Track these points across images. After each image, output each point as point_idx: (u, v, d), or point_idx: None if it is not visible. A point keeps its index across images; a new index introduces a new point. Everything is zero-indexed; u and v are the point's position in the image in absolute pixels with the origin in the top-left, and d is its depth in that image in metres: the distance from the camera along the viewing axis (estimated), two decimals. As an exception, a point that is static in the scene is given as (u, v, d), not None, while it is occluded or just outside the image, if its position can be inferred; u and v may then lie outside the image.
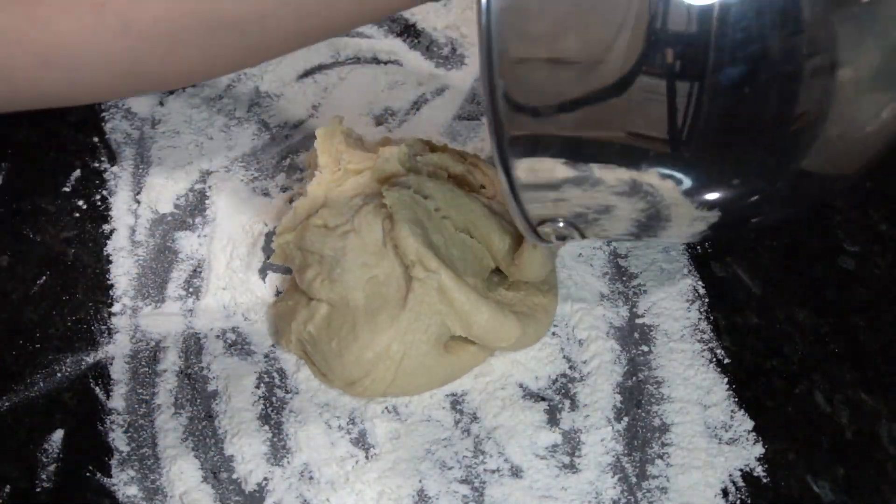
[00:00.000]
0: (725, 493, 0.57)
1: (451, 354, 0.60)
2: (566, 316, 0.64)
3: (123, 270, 0.66)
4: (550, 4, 0.37)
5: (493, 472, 0.57)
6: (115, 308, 0.64)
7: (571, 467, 0.58)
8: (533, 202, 0.45)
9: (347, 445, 0.58)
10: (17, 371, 0.60)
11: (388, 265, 0.58)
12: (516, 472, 0.57)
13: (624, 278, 0.67)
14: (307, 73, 0.79)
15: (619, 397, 0.61)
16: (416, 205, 0.59)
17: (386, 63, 0.81)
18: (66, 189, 0.71)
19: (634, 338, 0.64)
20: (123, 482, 0.56)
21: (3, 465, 0.57)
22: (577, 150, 0.41)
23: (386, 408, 0.60)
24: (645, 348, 0.63)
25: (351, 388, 0.59)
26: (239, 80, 0.78)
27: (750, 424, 0.59)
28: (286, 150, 0.74)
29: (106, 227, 0.68)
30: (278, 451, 0.58)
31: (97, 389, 0.60)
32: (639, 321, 0.64)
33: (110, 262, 0.67)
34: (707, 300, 0.65)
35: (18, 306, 0.64)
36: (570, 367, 0.62)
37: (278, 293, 0.65)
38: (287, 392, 0.61)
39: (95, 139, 0.74)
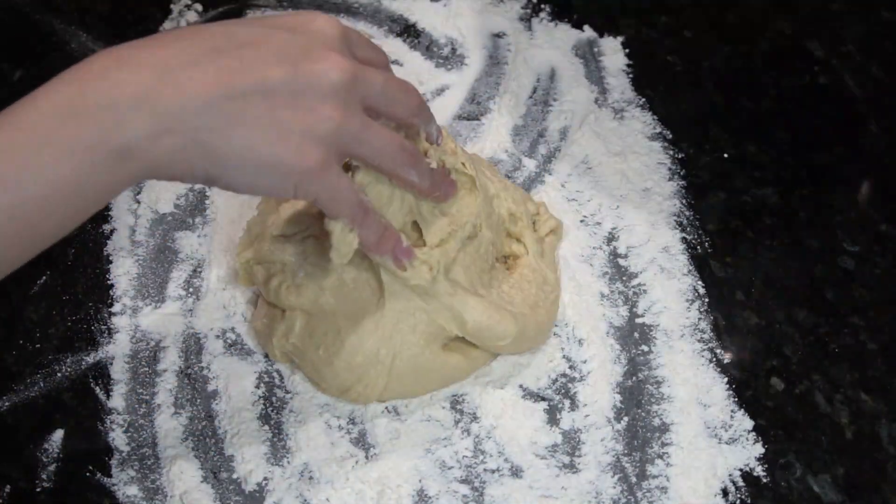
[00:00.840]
0: (725, 492, 0.57)
1: (451, 355, 0.60)
2: (566, 316, 0.64)
3: (123, 270, 0.66)
4: None
5: (493, 472, 0.57)
6: (115, 308, 0.64)
7: (571, 467, 0.58)
8: None
9: (347, 445, 0.58)
10: (17, 371, 0.60)
11: (354, 269, 0.57)
12: (516, 472, 0.57)
13: (624, 278, 0.67)
14: (307, 73, 0.78)
15: (618, 397, 0.61)
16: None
17: (386, 63, 0.81)
18: (66, 189, 0.71)
19: (634, 338, 0.64)
20: (123, 482, 0.56)
21: (3, 465, 0.57)
22: None
23: (386, 408, 0.60)
24: (645, 348, 0.63)
25: (345, 394, 0.59)
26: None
27: (750, 424, 0.59)
28: (286, 150, 0.74)
29: (106, 227, 0.68)
30: (278, 451, 0.58)
31: (97, 389, 0.60)
32: (639, 321, 0.64)
33: (110, 262, 0.67)
34: (707, 300, 0.65)
35: (18, 306, 0.64)
36: (570, 367, 0.62)
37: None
38: (287, 392, 0.61)
39: (95, 139, 0.74)
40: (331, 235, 0.51)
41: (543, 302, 0.62)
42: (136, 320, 0.64)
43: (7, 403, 0.59)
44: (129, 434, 0.58)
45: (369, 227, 0.52)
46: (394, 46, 0.82)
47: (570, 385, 0.61)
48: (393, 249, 0.54)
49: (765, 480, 0.57)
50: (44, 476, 0.56)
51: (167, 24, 0.81)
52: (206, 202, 0.70)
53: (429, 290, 0.56)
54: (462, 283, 0.58)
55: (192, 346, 0.63)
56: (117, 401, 0.60)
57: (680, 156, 0.74)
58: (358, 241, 0.52)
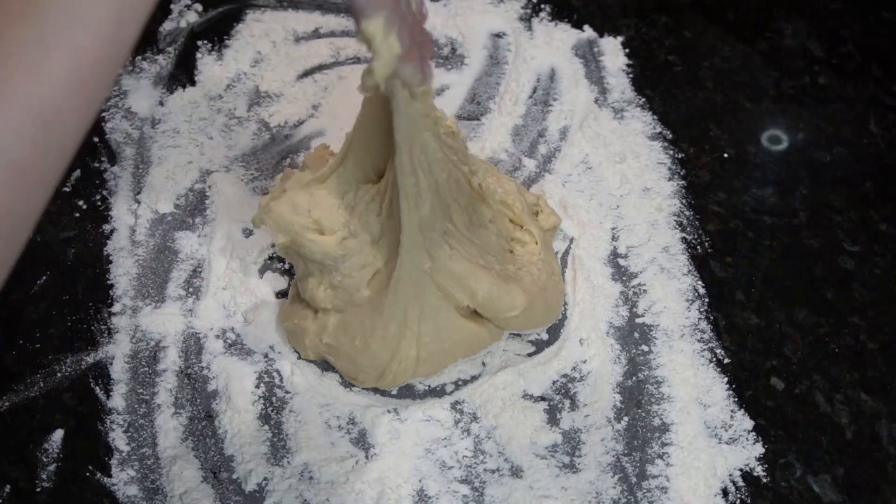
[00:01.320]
0: (725, 492, 0.57)
1: (469, 322, 0.59)
2: (566, 316, 0.64)
3: (123, 270, 0.66)
4: None
5: (493, 472, 0.57)
6: (115, 308, 0.64)
7: (571, 467, 0.58)
8: None
9: (347, 445, 0.58)
10: (17, 371, 0.60)
11: (385, 254, 0.58)
12: (516, 472, 0.57)
13: (624, 278, 0.67)
14: (307, 73, 0.79)
15: (619, 397, 0.61)
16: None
17: (386, 63, 0.80)
18: (67, 189, 0.71)
19: (634, 338, 0.64)
20: (123, 482, 0.56)
21: (3, 465, 0.57)
22: None
23: (386, 408, 0.60)
24: (645, 348, 0.63)
25: (382, 378, 0.58)
26: (239, 80, 0.78)
27: (750, 424, 0.59)
28: (286, 150, 0.74)
29: (106, 227, 0.68)
30: (278, 451, 0.58)
31: (97, 389, 0.60)
32: (639, 321, 0.64)
33: (110, 262, 0.67)
34: (707, 300, 0.65)
35: (18, 306, 0.64)
36: (571, 367, 0.62)
37: (277, 293, 0.65)
38: (287, 392, 0.61)
39: (95, 139, 0.74)
40: (371, 42, 0.47)
41: (553, 288, 0.62)
42: (136, 320, 0.64)
43: (7, 403, 0.59)
44: (129, 434, 0.58)
45: (405, 22, 0.49)
46: (394, 46, 0.81)
47: (570, 385, 0.61)
48: (424, 57, 0.51)
49: (765, 480, 0.57)
50: (44, 476, 0.56)
51: (167, 25, 0.81)
52: (206, 202, 0.70)
53: (433, 254, 0.56)
54: (466, 258, 0.58)
55: (192, 346, 0.63)
56: (117, 401, 0.60)
57: (680, 156, 0.74)
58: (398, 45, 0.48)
